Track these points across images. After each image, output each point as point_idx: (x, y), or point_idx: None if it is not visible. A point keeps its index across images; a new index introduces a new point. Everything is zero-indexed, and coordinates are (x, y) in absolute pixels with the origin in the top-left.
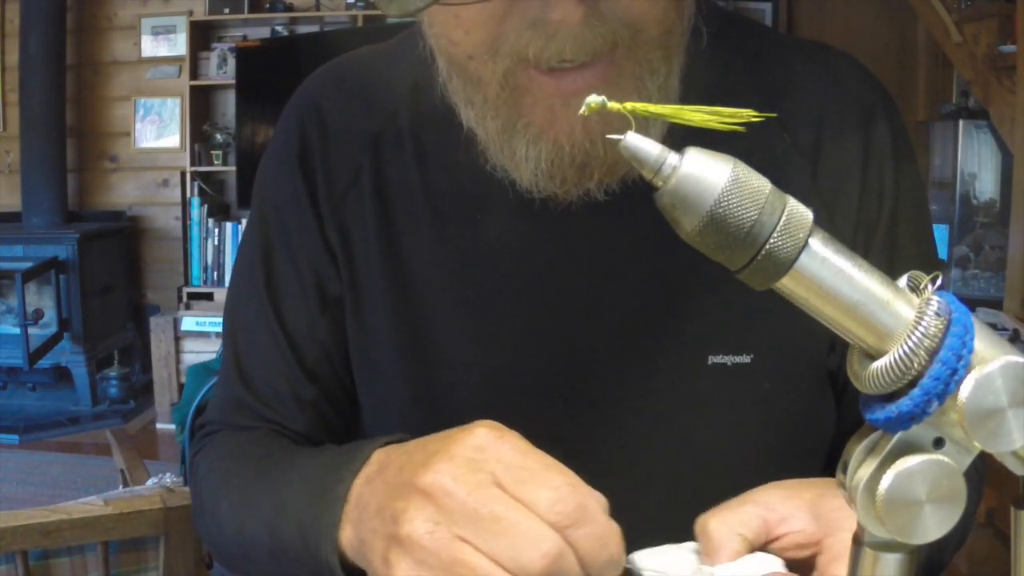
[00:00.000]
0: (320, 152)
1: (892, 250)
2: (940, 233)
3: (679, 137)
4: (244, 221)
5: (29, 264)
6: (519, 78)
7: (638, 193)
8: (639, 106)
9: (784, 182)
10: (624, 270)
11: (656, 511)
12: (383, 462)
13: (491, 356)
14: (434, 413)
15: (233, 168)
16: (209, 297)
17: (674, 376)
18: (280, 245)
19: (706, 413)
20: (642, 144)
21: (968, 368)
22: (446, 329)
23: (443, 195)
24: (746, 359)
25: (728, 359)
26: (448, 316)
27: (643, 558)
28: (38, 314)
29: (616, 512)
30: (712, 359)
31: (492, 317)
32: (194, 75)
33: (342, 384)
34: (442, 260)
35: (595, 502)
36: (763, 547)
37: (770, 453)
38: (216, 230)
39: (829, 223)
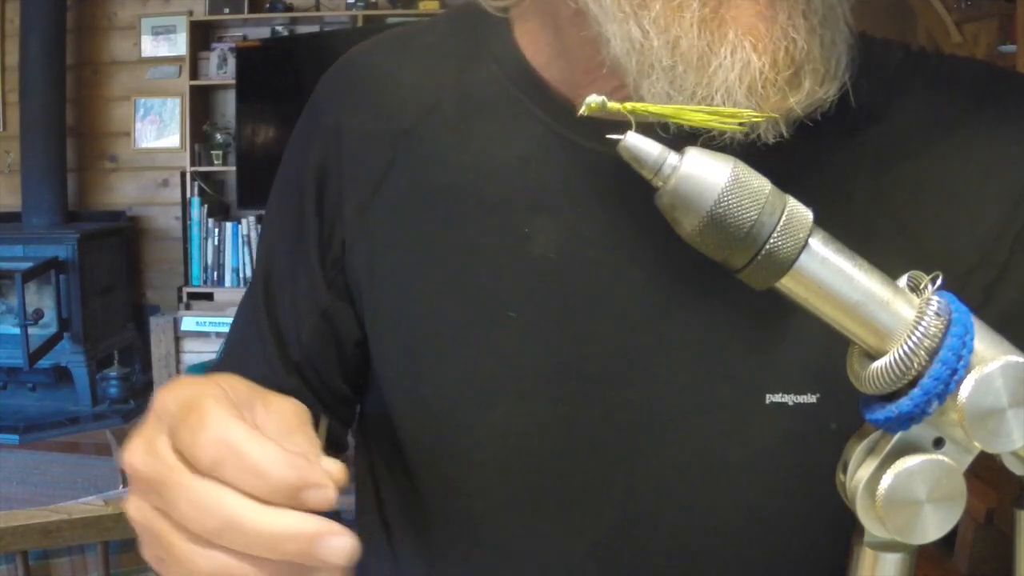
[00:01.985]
0: (341, 162)
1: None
2: None
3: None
4: (243, 221)
5: (29, 264)
6: None
7: None
8: (639, 106)
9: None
10: (677, 301)
11: (699, 552)
12: None
13: (521, 382)
14: (466, 434)
15: (233, 168)
16: (209, 297)
17: (725, 415)
18: (282, 252)
19: (761, 455)
20: (642, 144)
21: (968, 368)
22: (474, 346)
23: (483, 192)
24: (811, 399)
25: (789, 398)
26: (475, 333)
27: None
28: (38, 314)
29: (655, 551)
30: (771, 398)
31: (526, 338)
32: (194, 75)
33: (325, 383)
34: (475, 271)
35: (236, 431)
36: None
37: (830, 497)
38: (216, 230)
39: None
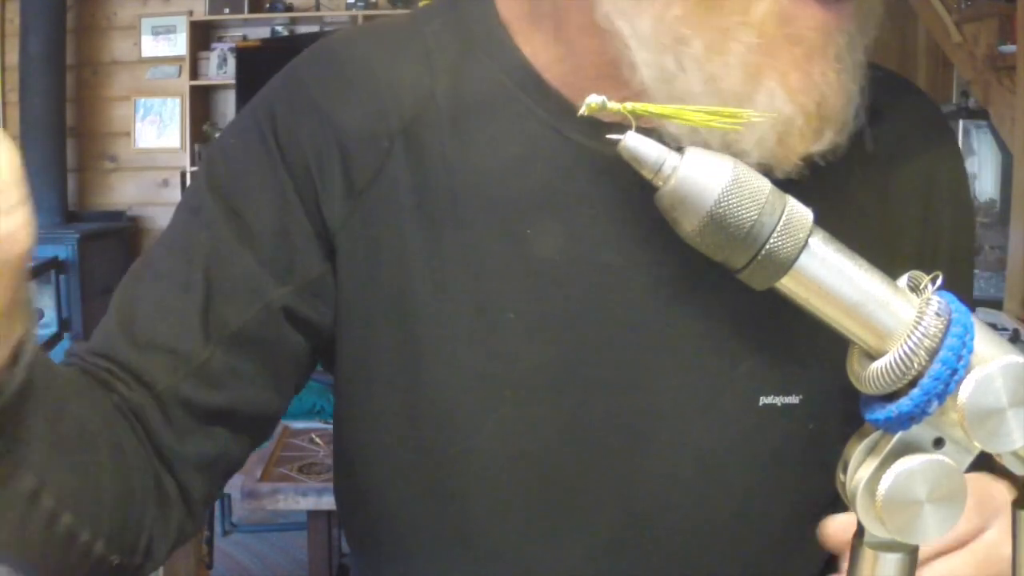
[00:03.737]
0: (331, 145)
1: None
2: None
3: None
4: None
5: (29, 264)
6: (785, 4)
7: None
8: (639, 106)
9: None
10: (681, 302)
11: (696, 555)
12: None
13: (525, 382)
14: (462, 437)
15: None
16: None
17: (724, 417)
18: (239, 204)
19: (753, 456)
20: (642, 144)
21: (968, 368)
22: (474, 347)
23: (483, 192)
24: (795, 400)
25: (778, 400)
26: (476, 335)
27: None
28: (38, 314)
29: (653, 556)
30: (764, 400)
31: (529, 340)
32: (194, 75)
33: (265, 358)
34: (476, 271)
35: None
36: None
37: (810, 495)
38: None
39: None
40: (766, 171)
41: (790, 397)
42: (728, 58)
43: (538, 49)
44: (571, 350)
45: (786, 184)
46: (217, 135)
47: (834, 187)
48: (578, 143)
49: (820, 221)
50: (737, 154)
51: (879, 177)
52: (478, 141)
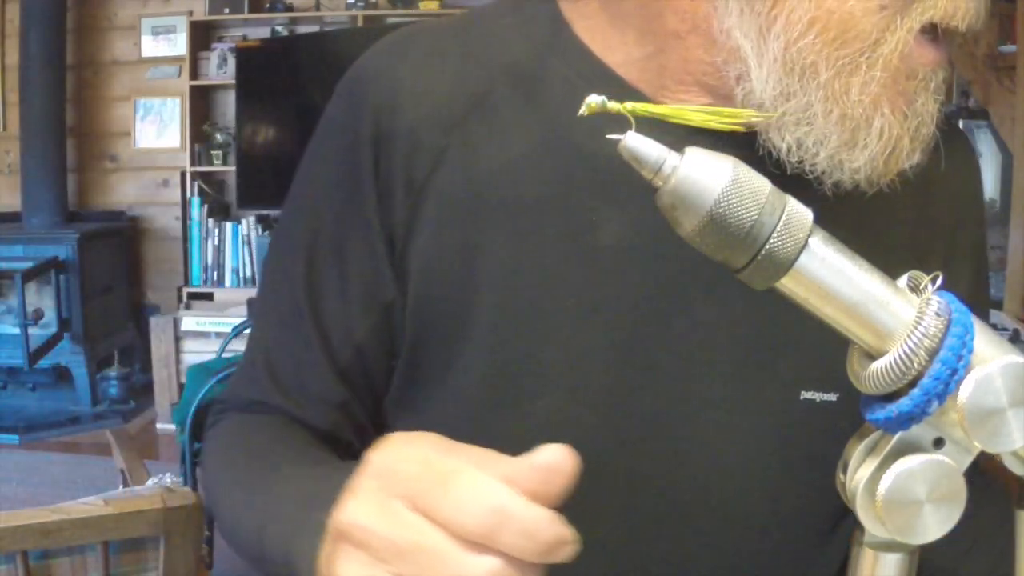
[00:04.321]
0: (395, 140)
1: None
2: None
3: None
4: (243, 221)
5: (29, 264)
6: (910, 43)
7: None
8: (639, 106)
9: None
10: (734, 294)
11: (728, 542)
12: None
13: (578, 367)
14: (511, 421)
15: (233, 168)
16: (209, 297)
17: (766, 408)
18: (328, 241)
19: (791, 449)
20: (642, 144)
21: (968, 368)
22: (530, 333)
23: (548, 181)
24: (832, 397)
25: (818, 396)
26: (535, 318)
27: None
28: (38, 314)
29: (687, 541)
30: (804, 395)
31: (586, 326)
32: (194, 75)
33: (372, 385)
34: (537, 257)
35: (504, 494)
36: None
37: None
38: (216, 230)
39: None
40: (868, 184)
41: (829, 394)
42: (852, 87)
43: (614, 48)
44: (626, 336)
45: (820, 200)
46: (218, 135)
47: (868, 207)
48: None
49: (852, 241)
50: (850, 170)
51: (911, 198)
52: (540, 130)
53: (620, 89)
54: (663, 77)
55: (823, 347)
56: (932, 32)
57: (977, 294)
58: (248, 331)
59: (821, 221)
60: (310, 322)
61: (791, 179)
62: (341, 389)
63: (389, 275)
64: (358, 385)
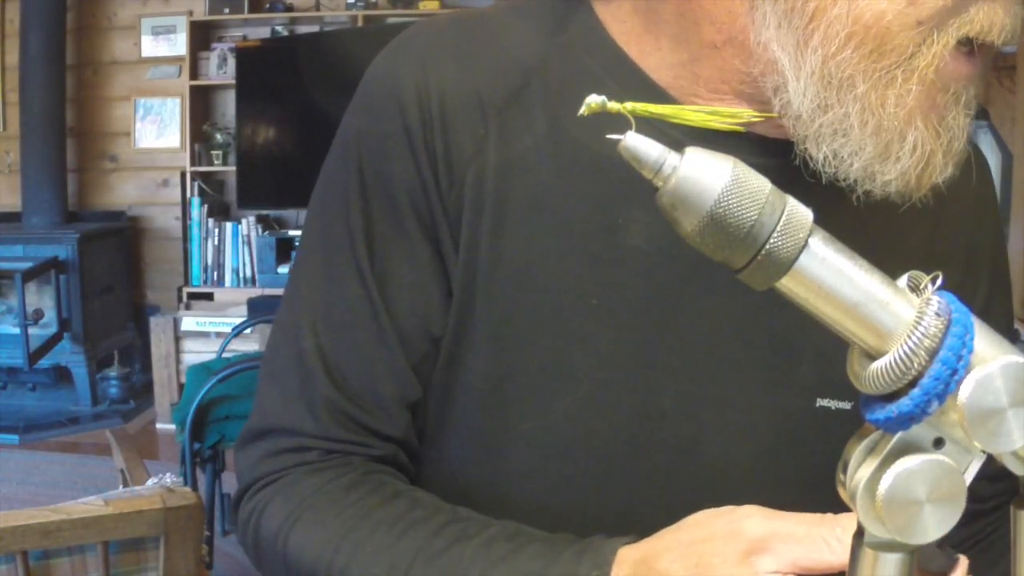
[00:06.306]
0: (439, 125)
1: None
2: None
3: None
4: (243, 221)
5: (29, 264)
6: (945, 57)
7: None
8: (639, 106)
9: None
10: (755, 299)
11: None
12: (636, 561)
13: (599, 368)
14: (530, 420)
15: (233, 168)
16: (209, 297)
17: (782, 413)
18: (393, 229)
19: (805, 455)
20: (642, 144)
21: (968, 368)
22: (552, 332)
23: (576, 181)
24: (847, 406)
25: (833, 404)
26: (558, 317)
27: None
28: (38, 314)
29: None
30: (820, 402)
31: (607, 327)
32: (194, 75)
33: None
34: (563, 256)
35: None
36: None
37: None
38: (216, 230)
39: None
40: (900, 198)
41: (844, 403)
42: (888, 99)
43: (648, 52)
44: (647, 337)
45: (842, 210)
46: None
47: (888, 215)
48: (677, 140)
49: (868, 252)
50: (881, 182)
51: (928, 208)
52: (572, 130)
53: (652, 93)
54: (696, 84)
55: (840, 356)
56: (968, 45)
57: (1002, 303)
58: (247, 331)
59: (849, 231)
60: (384, 316)
61: (824, 187)
62: (415, 385)
63: (452, 260)
64: (428, 379)
